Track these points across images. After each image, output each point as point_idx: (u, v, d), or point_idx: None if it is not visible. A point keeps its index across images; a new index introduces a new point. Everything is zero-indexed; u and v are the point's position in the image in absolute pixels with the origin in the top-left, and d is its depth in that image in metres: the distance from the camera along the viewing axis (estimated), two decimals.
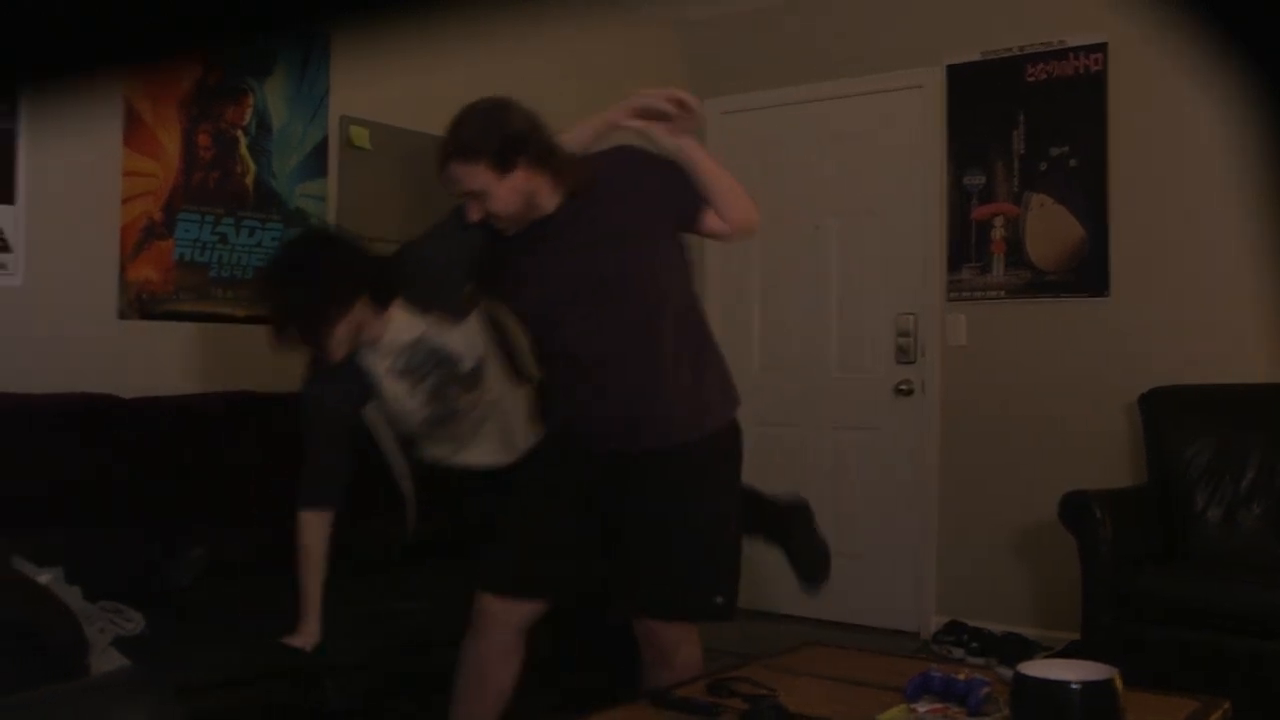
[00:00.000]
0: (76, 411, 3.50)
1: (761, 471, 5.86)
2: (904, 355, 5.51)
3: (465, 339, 3.19)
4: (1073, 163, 5.06)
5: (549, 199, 2.89)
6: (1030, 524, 5.09)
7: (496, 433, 3.36)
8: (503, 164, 2.81)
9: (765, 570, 5.85)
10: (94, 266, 3.86)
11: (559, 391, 3.11)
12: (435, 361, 3.15)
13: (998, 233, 5.26)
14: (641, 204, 2.94)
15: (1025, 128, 5.17)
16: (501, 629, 3.00)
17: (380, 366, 3.10)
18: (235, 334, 4.18)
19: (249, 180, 4.24)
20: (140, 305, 3.95)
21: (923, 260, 5.46)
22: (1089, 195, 5.02)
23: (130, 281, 3.93)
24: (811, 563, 3.67)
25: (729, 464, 3.11)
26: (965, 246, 5.35)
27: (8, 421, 3.34)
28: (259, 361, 4.20)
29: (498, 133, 2.82)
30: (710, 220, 3.02)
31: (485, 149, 2.81)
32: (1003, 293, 5.26)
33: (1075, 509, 4.23)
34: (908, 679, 2.73)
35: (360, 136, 4.58)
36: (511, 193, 2.84)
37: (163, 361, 3.98)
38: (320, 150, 4.46)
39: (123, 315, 3.91)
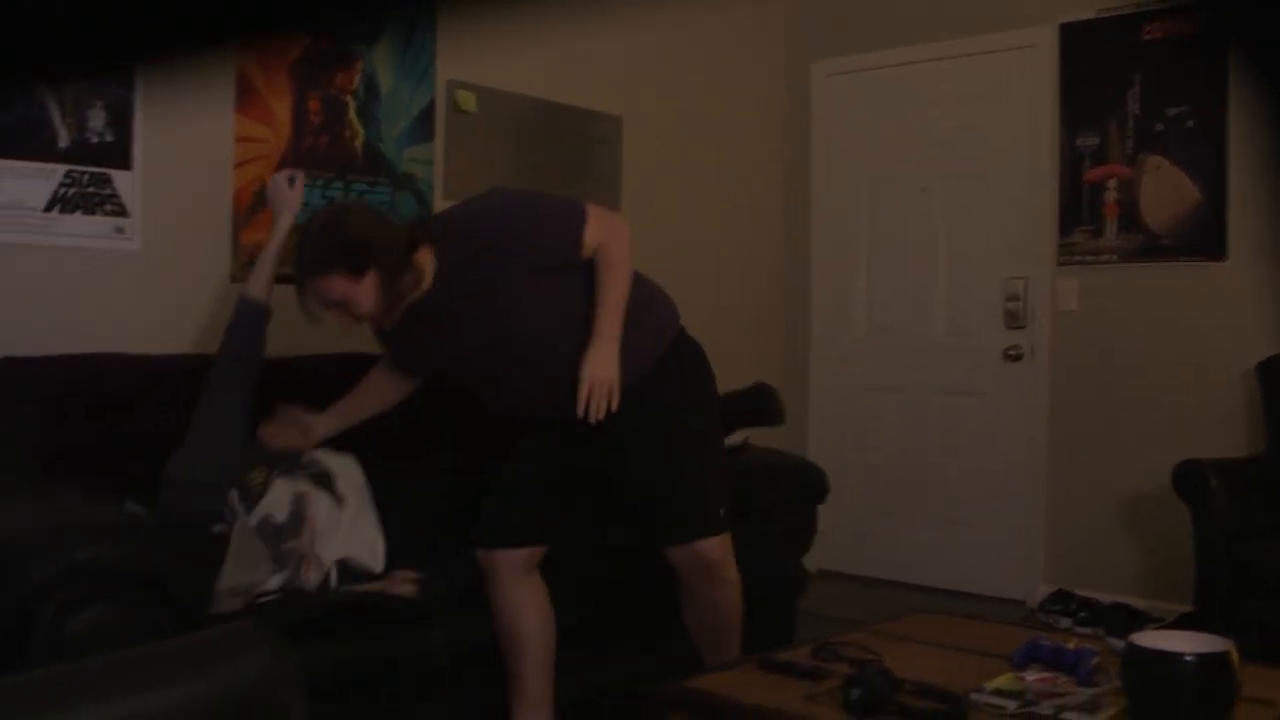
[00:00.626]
0: (193, 373, 3.58)
1: (867, 436, 5.86)
2: (1013, 320, 5.43)
3: (276, 498, 3.24)
4: (1190, 123, 4.93)
5: (420, 282, 3.06)
6: (1141, 493, 5.00)
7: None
8: (354, 270, 2.96)
9: (874, 538, 5.83)
10: (208, 231, 3.93)
11: (484, 403, 3.32)
12: (268, 537, 3.18)
13: (1111, 195, 5.15)
14: (505, 258, 3.03)
15: (1141, 87, 5.04)
16: (505, 576, 3.21)
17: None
18: None
19: (358, 144, 4.28)
20: (253, 268, 4.01)
21: (1033, 223, 5.36)
22: (1207, 157, 4.89)
23: (243, 245, 3.99)
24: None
25: (682, 385, 3.23)
26: (1077, 209, 5.24)
27: (127, 382, 3.42)
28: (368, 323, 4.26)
29: (340, 242, 2.97)
30: (586, 248, 3.07)
31: (333, 261, 2.96)
32: (1115, 257, 5.15)
33: (1189, 478, 4.15)
34: (1015, 647, 2.71)
35: (467, 100, 4.60)
36: (371, 293, 2.99)
37: (276, 323, 4.04)
38: (427, 115, 4.49)
39: (235, 278, 3.98)
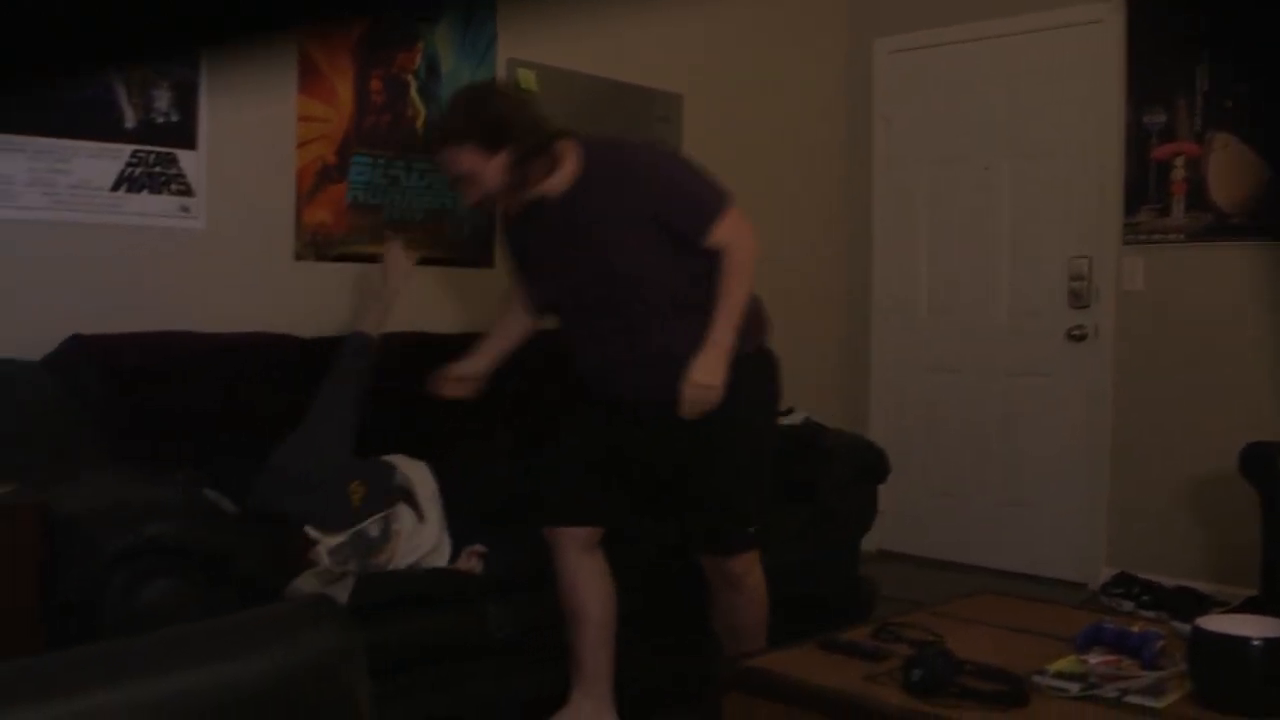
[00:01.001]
0: (258, 350, 3.62)
1: (929, 417, 5.83)
2: (1078, 300, 5.36)
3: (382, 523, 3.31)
4: (1260, 100, 4.84)
5: (546, 182, 3.09)
6: (1206, 475, 4.93)
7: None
8: (489, 145, 3.01)
9: (934, 519, 5.80)
10: (271, 210, 3.96)
11: (575, 351, 3.31)
12: (358, 552, 3.23)
13: (1178, 173, 5.08)
14: (637, 199, 3.07)
15: (1210, 63, 4.96)
16: (564, 557, 3.25)
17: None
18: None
19: (419, 123, 4.30)
20: (315, 247, 4.05)
21: (1098, 202, 5.30)
22: (1277, 134, 4.80)
23: (306, 224, 4.03)
24: None
25: (750, 398, 3.19)
26: (1143, 188, 5.17)
27: (194, 359, 3.47)
28: (431, 302, 4.30)
29: (481, 116, 3.02)
30: (713, 241, 3.10)
31: (470, 132, 3.01)
32: (1182, 236, 5.08)
33: (1257, 460, 4.09)
34: (1077, 629, 2.69)
35: (527, 79, 4.61)
36: (499, 172, 3.04)
37: (338, 302, 4.08)
38: None
39: (299, 257, 4.02)
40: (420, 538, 3.33)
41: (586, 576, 3.26)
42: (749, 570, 3.26)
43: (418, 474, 3.47)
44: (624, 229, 3.07)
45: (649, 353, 3.10)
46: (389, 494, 3.34)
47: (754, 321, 3.22)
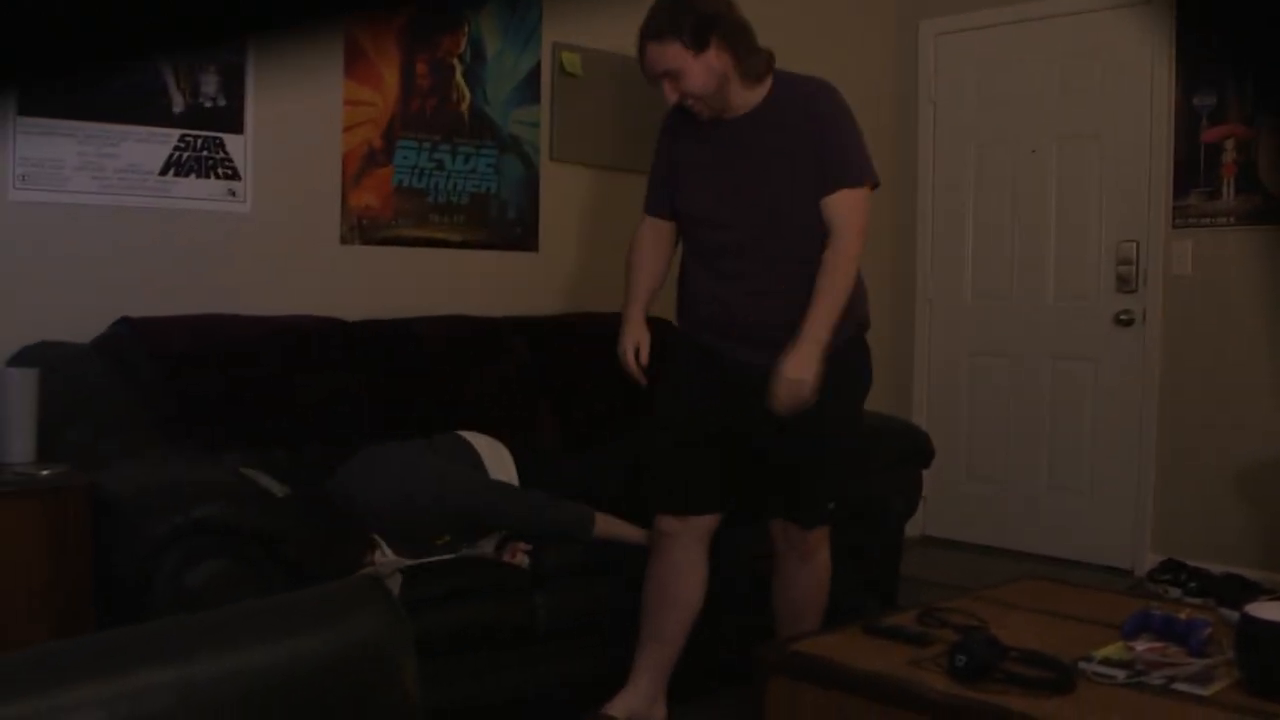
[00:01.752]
0: (305, 333, 3.64)
1: (974, 401, 5.79)
2: (1125, 284, 5.31)
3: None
4: None
5: (740, 95, 3.03)
6: (1255, 462, 4.88)
7: None
8: (696, 42, 2.94)
9: (979, 503, 5.77)
10: (318, 193, 3.99)
11: (691, 286, 3.21)
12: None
13: (1229, 156, 5.01)
14: (804, 141, 3.01)
15: (1261, 45, 4.89)
16: (680, 546, 3.19)
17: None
18: (452, 258, 4.28)
19: (464, 107, 4.31)
20: (361, 230, 4.07)
21: (1147, 185, 5.24)
22: None
23: (351, 208, 4.05)
24: None
25: (849, 380, 3.15)
26: (1193, 170, 5.11)
27: (242, 342, 3.49)
28: (476, 285, 4.31)
29: (690, 13, 2.95)
30: (832, 205, 3.01)
31: (679, 28, 2.94)
32: (1232, 219, 5.02)
33: None
34: (1124, 616, 2.67)
35: (572, 62, 4.61)
36: (706, 72, 2.97)
37: (383, 285, 4.10)
38: (533, 77, 4.50)
39: (344, 240, 4.04)
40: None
41: (690, 566, 3.21)
42: (820, 546, 3.23)
43: (497, 455, 3.48)
44: (791, 161, 3.01)
45: (763, 305, 3.03)
46: (469, 545, 3.35)
47: (855, 303, 3.11)
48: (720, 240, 3.12)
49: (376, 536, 3.14)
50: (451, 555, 3.23)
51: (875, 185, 3.09)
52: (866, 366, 3.24)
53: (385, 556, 3.12)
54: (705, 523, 3.21)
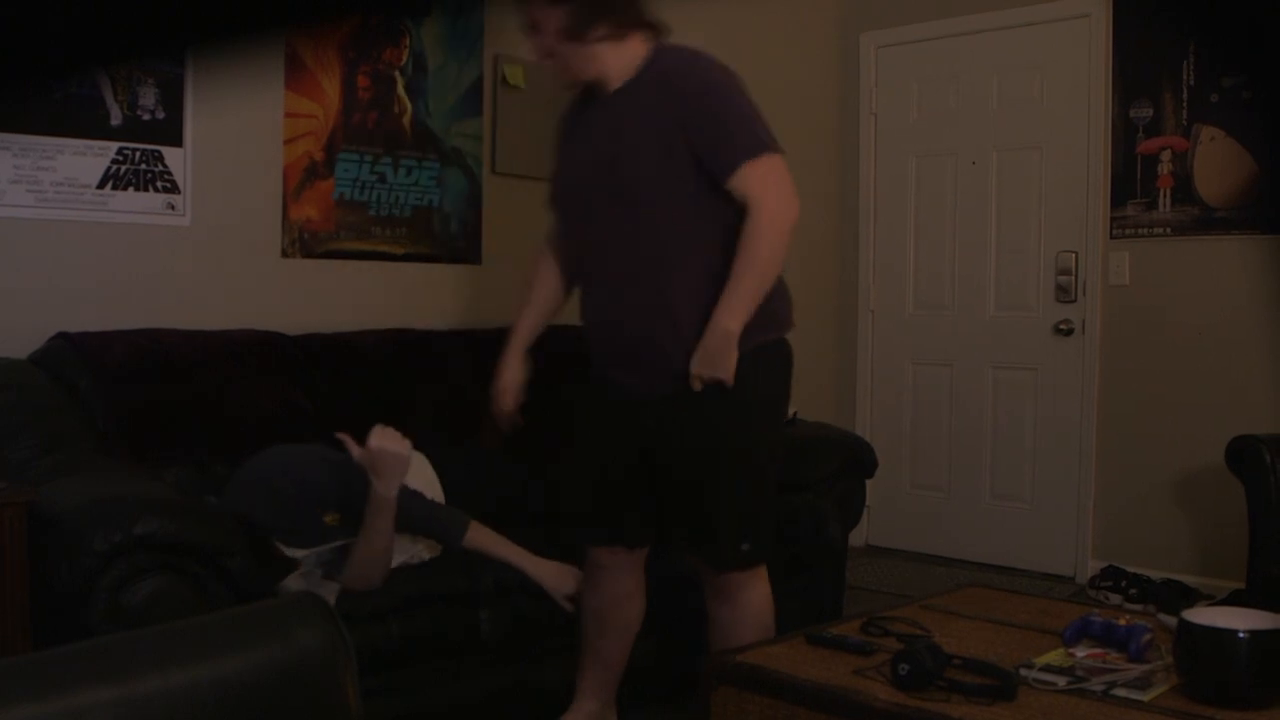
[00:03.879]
0: (245, 348, 3.61)
1: (916, 411, 5.84)
2: (1064, 294, 5.38)
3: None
4: (1245, 94, 4.85)
5: (611, 63, 2.79)
6: (1193, 469, 4.95)
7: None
8: None
9: (922, 513, 5.81)
10: (258, 206, 3.96)
11: (582, 302, 3.00)
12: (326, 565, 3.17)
13: (1165, 167, 5.09)
14: (671, 125, 2.73)
15: (1196, 57, 4.98)
16: (611, 578, 3.09)
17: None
18: (394, 271, 4.26)
19: (406, 120, 4.30)
20: (302, 244, 4.05)
21: (1085, 196, 5.31)
22: (1263, 128, 4.82)
23: (293, 221, 4.02)
24: None
25: (756, 395, 2.83)
26: (1130, 181, 5.18)
27: (181, 357, 3.46)
28: (418, 298, 4.30)
29: None
30: (738, 185, 2.72)
31: None
32: (1169, 230, 5.10)
33: (1244, 453, 4.10)
34: (1065, 623, 2.70)
35: (515, 75, 4.60)
36: (555, 22, 2.74)
37: (325, 299, 4.08)
38: (475, 89, 4.49)
39: (285, 254, 4.01)
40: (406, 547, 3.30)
41: (627, 596, 3.11)
42: (745, 586, 2.93)
43: (414, 464, 3.45)
44: (654, 147, 2.72)
45: (641, 319, 2.79)
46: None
47: (775, 304, 2.84)
48: (588, 237, 2.90)
49: (276, 541, 3.09)
50: (345, 541, 3.15)
51: (779, 152, 2.77)
52: (778, 381, 2.92)
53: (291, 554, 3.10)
54: (636, 554, 3.10)
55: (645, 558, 3.13)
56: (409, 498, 3.22)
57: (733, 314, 2.70)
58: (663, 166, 2.74)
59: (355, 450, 3.05)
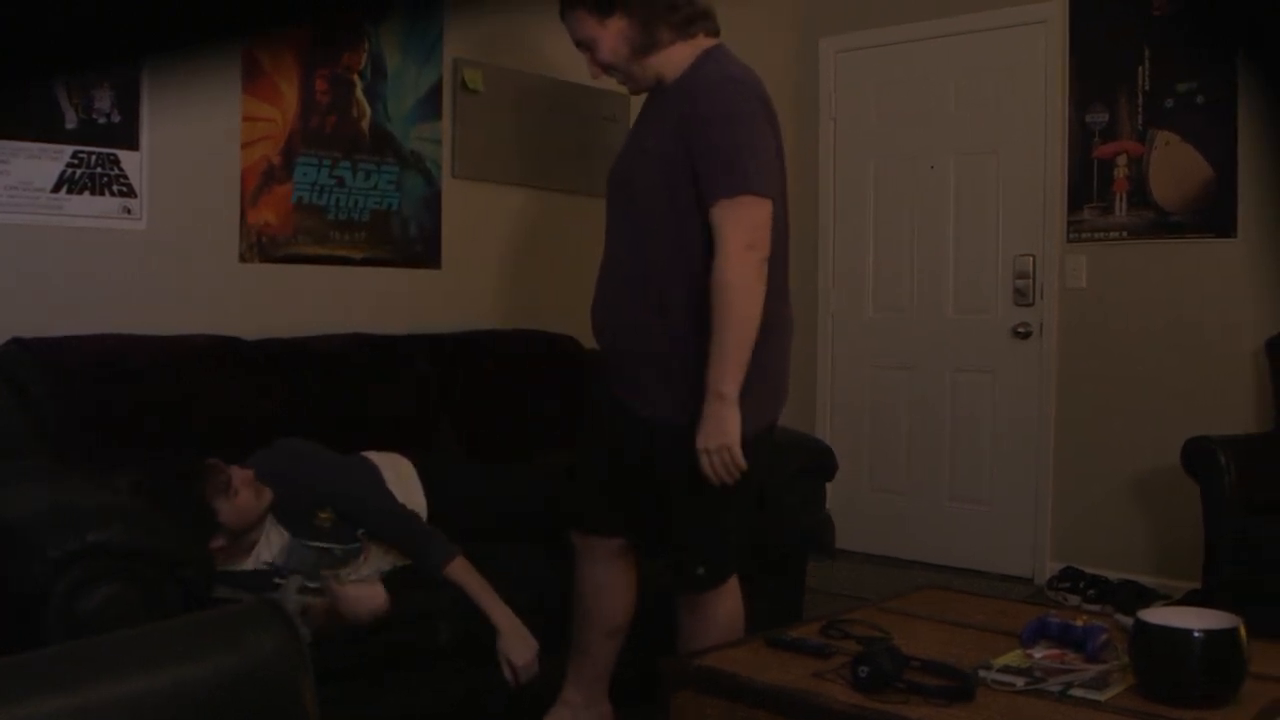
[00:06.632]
0: (202, 353, 3.59)
1: (875, 414, 5.86)
2: (1022, 297, 5.42)
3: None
4: (1200, 100, 4.91)
5: (655, 67, 2.84)
6: (1150, 470, 5.00)
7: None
8: (599, 9, 2.80)
9: (881, 515, 5.84)
10: (215, 211, 3.93)
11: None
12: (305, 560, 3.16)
13: (1121, 172, 5.14)
14: (676, 144, 2.76)
15: (1151, 63, 5.03)
16: (589, 561, 3.13)
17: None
18: (353, 276, 4.24)
19: (365, 124, 4.28)
20: (260, 248, 4.02)
21: (1042, 200, 5.35)
22: (1217, 133, 4.87)
23: (250, 225, 3.99)
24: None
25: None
26: (1086, 186, 5.23)
27: (136, 362, 3.43)
28: (377, 303, 4.28)
29: None
30: (712, 221, 2.70)
31: None
32: (1125, 233, 5.14)
33: (1199, 455, 4.15)
34: (1023, 624, 2.72)
35: (474, 79, 4.59)
36: (616, 40, 2.82)
37: (283, 303, 4.05)
38: (434, 93, 4.48)
39: (243, 258, 3.98)
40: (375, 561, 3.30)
41: (610, 585, 3.10)
42: (713, 599, 2.96)
43: (399, 469, 3.43)
44: (658, 163, 2.76)
45: (628, 332, 2.83)
46: (364, 534, 3.27)
47: (767, 385, 2.82)
48: (611, 260, 2.96)
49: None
50: (325, 545, 3.17)
51: (761, 195, 2.70)
52: (758, 472, 2.83)
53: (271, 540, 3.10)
54: (610, 543, 3.09)
55: (626, 552, 3.12)
56: (400, 517, 3.26)
57: (723, 377, 2.67)
58: (665, 176, 2.76)
59: (332, 586, 2.97)
